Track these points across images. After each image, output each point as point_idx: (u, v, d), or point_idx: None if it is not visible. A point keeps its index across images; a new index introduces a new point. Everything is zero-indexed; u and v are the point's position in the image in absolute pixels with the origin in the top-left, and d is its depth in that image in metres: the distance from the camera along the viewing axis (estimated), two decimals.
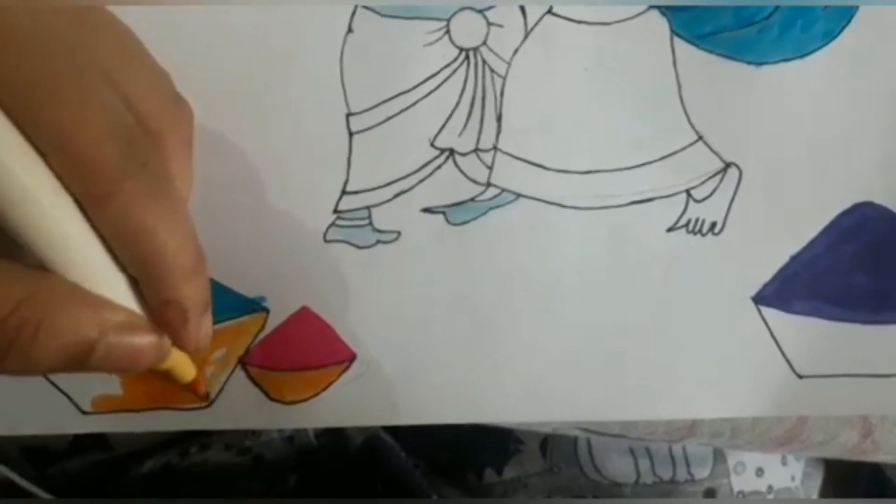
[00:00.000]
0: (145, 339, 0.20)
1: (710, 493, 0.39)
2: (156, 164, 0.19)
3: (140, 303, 0.20)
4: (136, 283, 0.20)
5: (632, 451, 0.39)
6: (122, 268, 0.19)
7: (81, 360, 0.19)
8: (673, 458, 0.39)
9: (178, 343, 0.21)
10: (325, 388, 0.27)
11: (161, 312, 0.20)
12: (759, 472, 0.40)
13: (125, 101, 0.19)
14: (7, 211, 0.17)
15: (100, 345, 0.19)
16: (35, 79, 0.17)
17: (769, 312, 0.28)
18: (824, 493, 0.42)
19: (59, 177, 0.18)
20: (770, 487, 0.40)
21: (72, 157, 0.18)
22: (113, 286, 0.19)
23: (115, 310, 0.19)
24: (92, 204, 0.18)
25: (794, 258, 0.27)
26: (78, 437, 0.37)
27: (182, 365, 0.23)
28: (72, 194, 0.18)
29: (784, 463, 0.40)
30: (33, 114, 0.17)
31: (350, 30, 0.25)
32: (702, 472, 0.39)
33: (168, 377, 0.23)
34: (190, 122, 0.22)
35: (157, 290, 0.20)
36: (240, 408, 0.27)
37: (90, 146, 0.17)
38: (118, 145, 0.18)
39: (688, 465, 0.39)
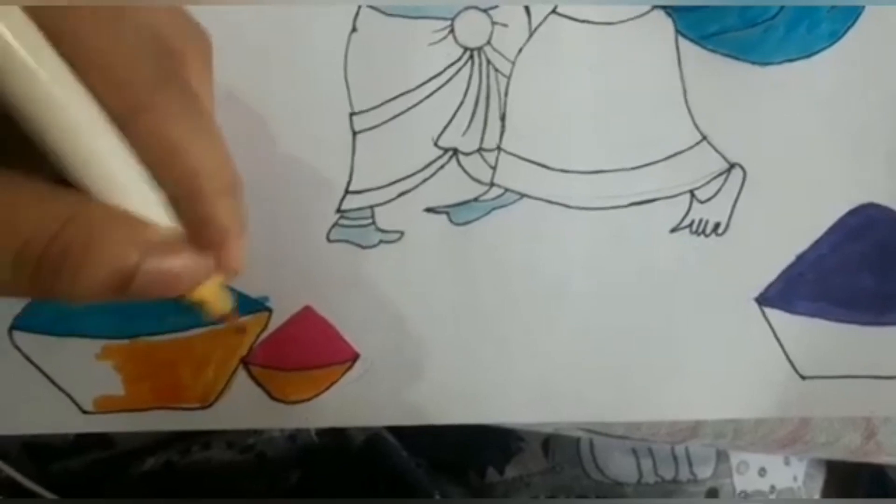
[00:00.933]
0: (187, 259, 0.19)
1: (712, 493, 0.39)
2: (186, 82, 0.19)
3: (178, 224, 0.20)
4: (172, 204, 0.19)
5: (634, 451, 0.39)
6: (158, 187, 0.19)
7: (125, 282, 0.18)
8: (675, 458, 0.39)
9: (218, 264, 0.20)
10: (327, 388, 0.27)
11: (199, 232, 0.20)
12: (762, 472, 0.40)
13: (153, 30, 0.19)
14: (46, 132, 0.17)
15: (142, 266, 0.18)
16: (66, 9, 0.17)
17: (773, 313, 0.28)
18: (826, 493, 0.42)
19: (95, 96, 0.18)
20: (772, 487, 0.40)
21: (107, 73, 0.18)
22: (150, 206, 0.19)
23: (155, 229, 0.19)
24: (128, 119, 0.18)
25: (798, 259, 0.27)
26: (79, 435, 0.37)
27: (217, 293, 0.22)
28: (108, 113, 0.18)
29: (787, 463, 0.40)
30: (71, 32, 0.17)
31: (354, 29, 0.25)
32: (704, 472, 0.39)
33: (204, 308, 0.22)
34: (209, 44, 0.22)
35: (194, 208, 0.19)
36: (242, 408, 0.27)
37: (124, 60, 0.18)
38: (149, 60, 0.18)
39: (690, 464, 0.39)
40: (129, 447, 0.37)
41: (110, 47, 0.18)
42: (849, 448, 0.30)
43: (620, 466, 0.39)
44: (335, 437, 0.37)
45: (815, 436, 0.30)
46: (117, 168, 0.18)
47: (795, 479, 0.41)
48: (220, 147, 0.20)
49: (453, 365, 0.27)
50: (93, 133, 0.18)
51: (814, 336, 0.28)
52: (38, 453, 0.37)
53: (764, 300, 0.27)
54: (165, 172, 0.19)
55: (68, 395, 0.27)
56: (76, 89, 0.18)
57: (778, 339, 0.28)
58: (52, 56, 0.17)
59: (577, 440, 0.38)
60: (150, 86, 0.18)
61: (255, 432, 0.37)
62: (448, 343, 0.27)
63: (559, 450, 0.39)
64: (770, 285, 0.27)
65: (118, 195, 0.18)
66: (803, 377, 0.28)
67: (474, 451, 0.39)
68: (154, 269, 0.18)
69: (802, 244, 0.27)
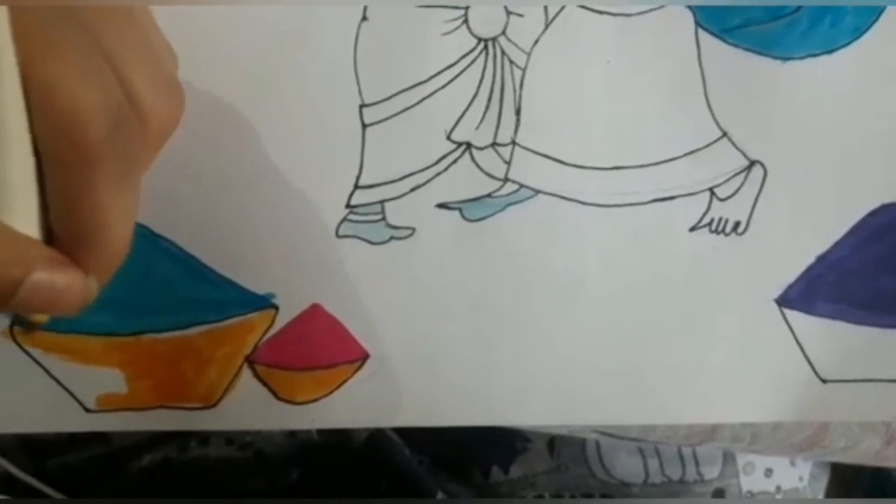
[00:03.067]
0: (71, 278, 0.20)
1: (719, 494, 0.39)
2: (133, 151, 0.19)
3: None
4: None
5: (641, 451, 0.38)
6: (47, 224, 0.19)
7: (5, 297, 0.18)
8: (682, 458, 0.39)
9: None
10: (336, 389, 0.27)
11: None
12: (768, 472, 0.40)
13: (124, 82, 0.19)
14: None
15: (25, 282, 0.18)
16: (47, 34, 0.17)
17: (793, 315, 0.27)
18: (830, 492, 0.42)
19: (35, 129, 0.18)
20: (778, 488, 0.40)
21: (59, 121, 0.18)
22: (36, 227, 0.19)
23: (40, 248, 0.19)
24: (56, 166, 0.18)
25: (819, 259, 0.27)
26: (76, 431, 0.37)
27: None
28: (37, 148, 0.18)
29: (793, 464, 0.40)
30: (38, 64, 0.17)
31: (365, 18, 0.24)
32: (711, 472, 0.39)
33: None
34: (179, 113, 0.22)
35: (77, 258, 0.20)
36: (246, 408, 0.27)
37: (81, 115, 0.18)
38: (106, 124, 0.18)
39: (697, 464, 0.39)
40: (127, 443, 0.37)
41: (72, 97, 0.18)
42: (868, 453, 0.30)
43: (626, 466, 0.38)
44: (336, 435, 0.37)
45: (833, 440, 0.29)
46: (21, 194, 0.18)
47: (801, 479, 0.41)
48: (132, 219, 0.20)
49: (465, 365, 0.27)
50: (14, 157, 0.18)
51: (834, 338, 0.27)
52: (35, 449, 0.37)
53: (784, 301, 0.27)
54: (70, 225, 0.19)
55: (71, 394, 0.27)
56: (18, 114, 0.18)
57: (798, 342, 0.27)
58: (12, 74, 0.17)
59: (583, 440, 0.38)
60: (95, 148, 0.18)
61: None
62: (460, 343, 0.27)
63: (565, 449, 0.38)
64: (790, 286, 0.27)
65: (9, 214, 0.18)
66: (824, 381, 0.28)
67: (478, 449, 0.39)
68: (40, 281, 0.19)
69: (823, 245, 0.27)
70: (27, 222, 0.19)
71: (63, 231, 0.19)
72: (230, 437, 0.37)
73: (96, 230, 0.19)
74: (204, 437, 0.37)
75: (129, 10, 0.21)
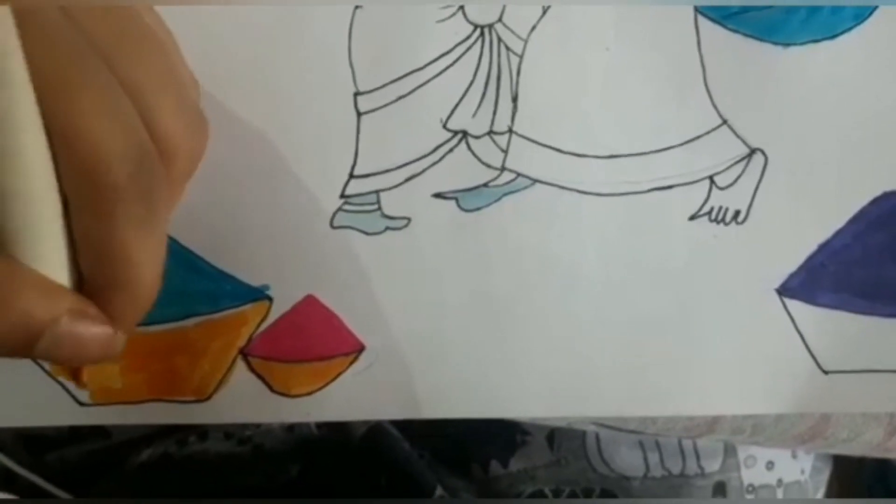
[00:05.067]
0: (97, 329, 0.19)
1: (720, 487, 0.39)
2: (157, 189, 0.19)
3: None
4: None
5: (641, 444, 0.38)
6: (77, 269, 0.19)
7: (28, 344, 0.18)
8: (683, 452, 0.39)
9: None
10: (331, 381, 0.27)
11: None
12: (770, 465, 0.40)
13: (148, 118, 0.19)
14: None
15: (49, 331, 0.18)
16: (66, 73, 0.17)
17: (794, 305, 0.27)
18: (831, 485, 0.42)
19: (59, 174, 0.18)
20: (780, 481, 0.40)
21: (81, 162, 0.18)
22: (64, 281, 0.19)
23: (67, 295, 0.19)
24: (81, 209, 0.18)
25: (820, 248, 0.26)
26: (75, 425, 0.37)
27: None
28: (62, 191, 0.18)
29: (794, 456, 0.40)
30: (58, 106, 0.17)
31: (359, 5, 0.24)
32: (712, 466, 0.39)
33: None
34: (203, 145, 0.22)
35: (105, 304, 0.20)
36: (241, 400, 0.27)
37: (103, 157, 0.18)
38: (128, 166, 0.18)
39: (698, 458, 0.39)
40: (126, 438, 0.37)
41: (93, 143, 0.17)
42: (871, 444, 0.29)
43: (627, 460, 0.38)
44: (335, 429, 0.37)
45: (836, 432, 0.29)
46: (49, 238, 0.18)
47: (803, 472, 0.41)
48: (160, 262, 0.20)
49: (462, 357, 0.27)
50: (41, 202, 0.18)
51: (836, 329, 0.27)
52: (33, 443, 0.37)
53: (785, 291, 0.27)
54: (96, 271, 0.19)
55: (64, 387, 0.26)
56: (43, 159, 0.17)
57: (799, 332, 0.27)
58: (34, 117, 0.17)
59: (583, 433, 0.38)
60: (118, 193, 0.18)
61: (254, 423, 0.37)
62: (457, 334, 0.27)
63: (565, 442, 0.38)
64: (792, 276, 0.27)
65: (38, 260, 0.18)
66: (825, 371, 0.27)
67: (478, 443, 0.39)
68: (64, 331, 0.19)
69: (825, 233, 0.26)
70: (56, 268, 0.19)
71: (91, 275, 0.19)
72: (229, 432, 0.37)
73: (123, 273, 0.19)
74: (203, 432, 0.37)
75: (154, 39, 0.20)
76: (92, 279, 0.19)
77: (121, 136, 0.18)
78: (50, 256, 0.18)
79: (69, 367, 0.24)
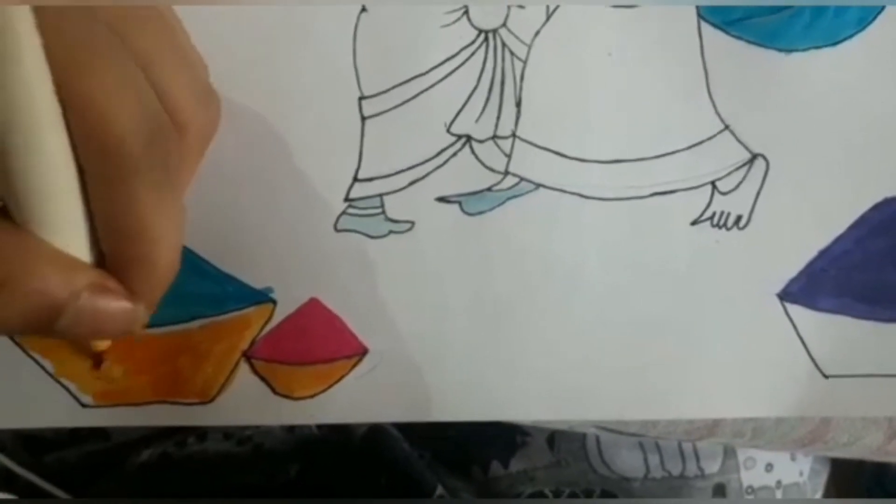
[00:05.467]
0: (118, 304, 0.19)
1: (719, 488, 0.39)
2: (172, 160, 0.19)
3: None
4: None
5: (641, 446, 0.38)
6: (98, 245, 0.19)
7: (49, 321, 0.18)
8: (683, 453, 0.39)
9: None
10: (334, 384, 0.27)
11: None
12: (769, 467, 0.40)
13: (160, 90, 0.19)
14: (10, 156, 0.17)
15: (69, 307, 0.18)
16: (79, 48, 0.17)
17: (795, 310, 0.27)
18: (829, 487, 0.42)
19: (74, 145, 0.18)
20: (779, 483, 0.40)
21: (96, 134, 0.17)
22: (86, 252, 0.19)
23: (87, 271, 0.19)
24: (98, 181, 0.18)
25: (821, 254, 0.26)
26: (75, 426, 0.37)
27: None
28: (79, 165, 0.18)
29: (793, 458, 0.40)
30: (72, 80, 0.17)
31: (364, 9, 0.24)
32: (712, 467, 0.39)
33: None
34: (216, 121, 0.22)
35: (125, 279, 0.20)
36: (244, 403, 0.27)
37: (117, 129, 0.17)
38: (143, 136, 0.18)
39: (697, 459, 0.39)
40: (125, 439, 0.37)
41: (108, 110, 0.17)
42: (870, 448, 0.29)
43: (627, 461, 0.38)
44: (335, 430, 0.37)
45: (836, 435, 0.29)
46: (67, 212, 0.18)
47: (801, 474, 0.41)
48: (178, 232, 0.20)
49: (465, 360, 0.27)
50: (55, 172, 0.18)
51: (837, 333, 0.27)
52: (33, 444, 0.36)
53: (786, 296, 0.27)
54: (114, 242, 0.19)
55: (66, 389, 0.26)
56: (57, 131, 0.17)
57: (800, 337, 0.27)
58: (48, 91, 0.17)
59: (584, 435, 0.38)
60: (134, 161, 0.18)
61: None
62: (460, 337, 0.27)
63: (565, 444, 0.38)
64: (793, 280, 0.27)
65: (55, 238, 0.18)
66: (826, 376, 0.27)
67: (478, 444, 0.39)
68: (84, 307, 0.18)
69: (826, 239, 0.26)
70: (75, 243, 0.19)
71: (110, 250, 0.19)
72: (229, 433, 0.37)
73: (142, 246, 0.19)
74: (202, 433, 0.37)
75: (162, 16, 0.20)
76: (111, 254, 0.19)
77: (135, 108, 0.18)
78: (69, 232, 0.18)
79: (90, 353, 0.24)
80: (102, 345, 0.24)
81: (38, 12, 0.16)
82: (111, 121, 0.17)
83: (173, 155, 0.19)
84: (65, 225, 0.18)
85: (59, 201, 0.18)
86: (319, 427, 0.37)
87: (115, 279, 0.19)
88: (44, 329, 0.18)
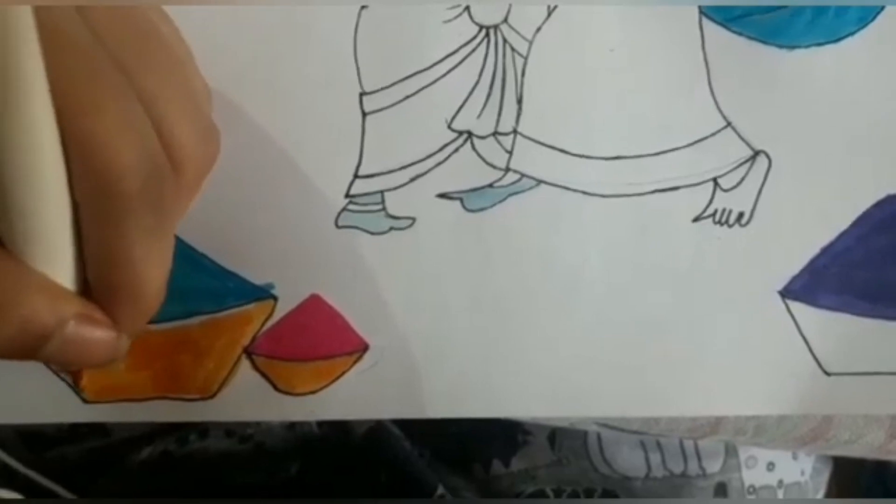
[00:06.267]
0: (102, 334, 0.19)
1: (721, 488, 0.39)
2: (167, 200, 0.19)
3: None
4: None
5: (643, 445, 0.38)
6: (83, 274, 0.19)
7: (35, 348, 0.18)
8: (684, 452, 0.39)
9: None
10: (335, 380, 0.27)
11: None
12: (771, 466, 0.40)
13: (161, 127, 0.19)
14: (7, 185, 0.17)
15: (56, 334, 0.18)
16: (84, 85, 0.17)
17: (797, 307, 0.27)
18: (831, 486, 0.42)
19: (70, 179, 0.18)
20: (780, 482, 0.40)
21: (94, 172, 0.18)
22: (74, 281, 0.19)
23: (74, 300, 0.19)
24: (91, 216, 0.18)
25: (824, 251, 0.26)
26: (76, 423, 0.37)
27: None
28: (73, 198, 0.18)
29: (795, 457, 0.40)
30: (75, 117, 0.17)
31: (365, 5, 0.24)
32: (713, 466, 0.39)
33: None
34: (214, 156, 0.22)
35: (110, 310, 0.20)
36: (245, 399, 0.27)
37: (116, 169, 0.18)
38: (140, 178, 0.18)
39: (699, 458, 0.39)
40: (126, 436, 0.37)
41: (106, 153, 0.17)
42: (872, 446, 0.29)
43: (628, 460, 0.38)
44: (336, 427, 0.37)
45: (838, 433, 0.29)
46: (58, 243, 0.18)
47: (803, 473, 0.41)
48: (166, 270, 0.20)
49: (466, 357, 0.27)
50: (52, 207, 0.18)
51: (839, 331, 0.27)
52: (34, 440, 0.36)
53: (788, 293, 0.27)
54: (103, 277, 0.19)
55: (69, 384, 0.26)
56: (56, 163, 0.17)
57: (802, 334, 0.27)
58: (49, 120, 0.17)
59: (585, 433, 0.38)
60: (129, 202, 0.18)
61: (255, 421, 0.36)
62: (460, 334, 0.27)
63: (566, 442, 0.38)
64: (795, 278, 0.27)
65: (47, 264, 0.18)
66: (828, 373, 0.27)
67: (479, 442, 0.39)
68: (71, 336, 0.19)
69: (828, 236, 0.26)
70: (64, 273, 0.19)
71: (97, 282, 0.19)
72: (230, 430, 0.37)
73: (129, 281, 0.19)
74: (203, 430, 0.37)
75: (171, 50, 0.21)
76: (98, 285, 0.19)
77: (135, 148, 0.18)
78: (59, 261, 0.18)
79: (68, 373, 0.24)
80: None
81: (44, 42, 0.17)
82: (111, 161, 0.17)
83: (168, 194, 0.19)
84: (55, 255, 0.18)
85: (52, 232, 0.18)
86: (320, 425, 0.37)
87: (100, 309, 0.19)
88: (29, 354, 0.18)
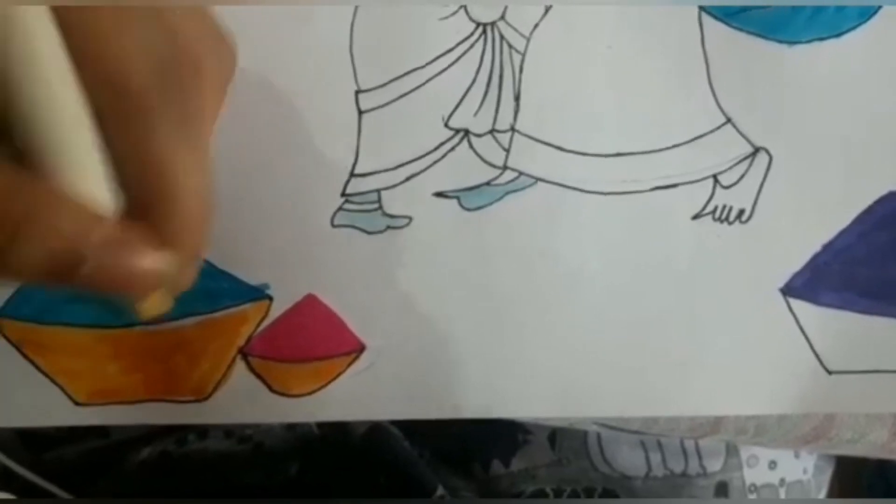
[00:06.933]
0: (146, 254, 0.18)
1: (722, 487, 0.39)
2: (187, 96, 0.18)
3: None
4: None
5: (643, 444, 0.38)
6: (121, 195, 0.18)
7: (69, 271, 0.17)
8: (685, 451, 0.38)
9: None
10: (331, 381, 0.27)
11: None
12: (772, 464, 0.39)
13: (169, 33, 0.18)
14: (22, 98, 0.17)
15: (91, 257, 0.17)
16: None
17: (798, 304, 0.27)
18: (833, 485, 0.42)
19: (88, 88, 0.17)
20: (782, 480, 0.40)
21: (99, 70, 0.17)
22: (108, 203, 0.18)
23: (104, 220, 0.18)
24: (111, 125, 0.17)
25: (825, 248, 0.26)
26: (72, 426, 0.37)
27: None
28: (93, 105, 0.17)
29: (797, 456, 0.40)
30: (74, 23, 0.17)
31: (360, 3, 0.24)
32: (714, 466, 0.38)
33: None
34: (232, 60, 0.21)
35: (156, 231, 0.18)
36: (240, 400, 0.27)
37: (123, 61, 0.17)
38: (152, 69, 0.17)
39: (700, 458, 0.38)
40: (125, 437, 0.37)
41: (110, 42, 0.17)
42: (875, 445, 0.29)
43: (629, 459, 0.38)
44: (335, 428, 0.37)
45: (840, 432, 0.29)
46: (81, 159, 0.17)
47: (805, 471, 0.40)
48: (206, 172, 0.19)
49: (463, 357, 0.27)
50: (67, 118, 0.17)
51: (841, 328, 0.27)
52: (32, 442, 0.36)
53: (789, 291, 0.27)
54: (139, 185, 0.18)
55: (61, 387, 0.26)
56: (66, 73, 0.17)
57: (804, 332, 0.27)
58: (52, 33, 0.16)
59: (585, 433, 0.38)
60: (146, 95, 0.17)
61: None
62: (458, 334, 0.26)
63: (566, 442, 0.38)
64: (796, 275, 0.26)
65: (76, 183, 0.17)
66: (829, 372, 0.27)
67: (479, 442, 0.39)
68: (107, 257, 0.18)
69: (829, 233, 0.26)
70: (95, 192, 0.18)
71: (135, 199, 0.18)
72: (229, 431, 0.37)
73: (164, 185, 0.18)
74: (202, 431, 0.36)
75: None
76: (136, 203, 0.18)
77: (138, 40, 0.17)
78: (88, 179, 0.18)
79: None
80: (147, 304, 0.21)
81: None
82: (114, 53, 0.17)
83: (188, 89, 0.18)
84: (83, 173, 0.17)
85: (74, 148, 0.17)
86: (320, 426, 0.37)
87: (142, 228, 0.18)
88: (67, 277, 0.17)
